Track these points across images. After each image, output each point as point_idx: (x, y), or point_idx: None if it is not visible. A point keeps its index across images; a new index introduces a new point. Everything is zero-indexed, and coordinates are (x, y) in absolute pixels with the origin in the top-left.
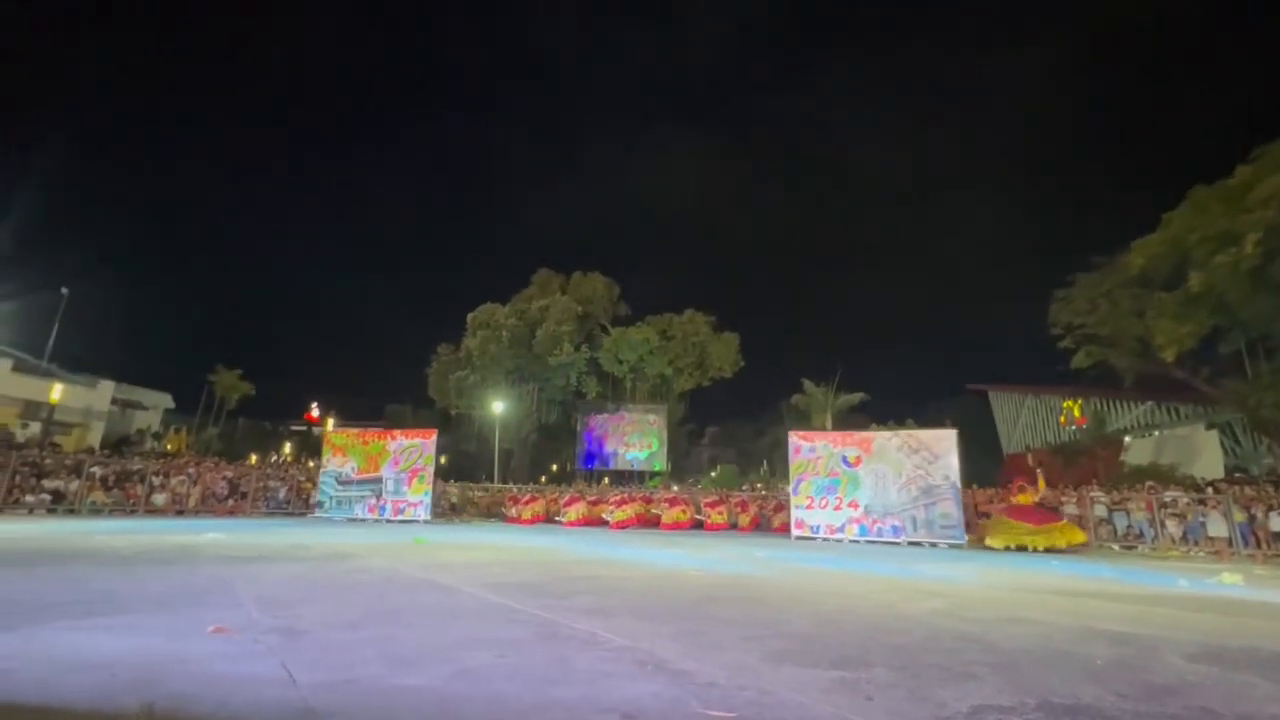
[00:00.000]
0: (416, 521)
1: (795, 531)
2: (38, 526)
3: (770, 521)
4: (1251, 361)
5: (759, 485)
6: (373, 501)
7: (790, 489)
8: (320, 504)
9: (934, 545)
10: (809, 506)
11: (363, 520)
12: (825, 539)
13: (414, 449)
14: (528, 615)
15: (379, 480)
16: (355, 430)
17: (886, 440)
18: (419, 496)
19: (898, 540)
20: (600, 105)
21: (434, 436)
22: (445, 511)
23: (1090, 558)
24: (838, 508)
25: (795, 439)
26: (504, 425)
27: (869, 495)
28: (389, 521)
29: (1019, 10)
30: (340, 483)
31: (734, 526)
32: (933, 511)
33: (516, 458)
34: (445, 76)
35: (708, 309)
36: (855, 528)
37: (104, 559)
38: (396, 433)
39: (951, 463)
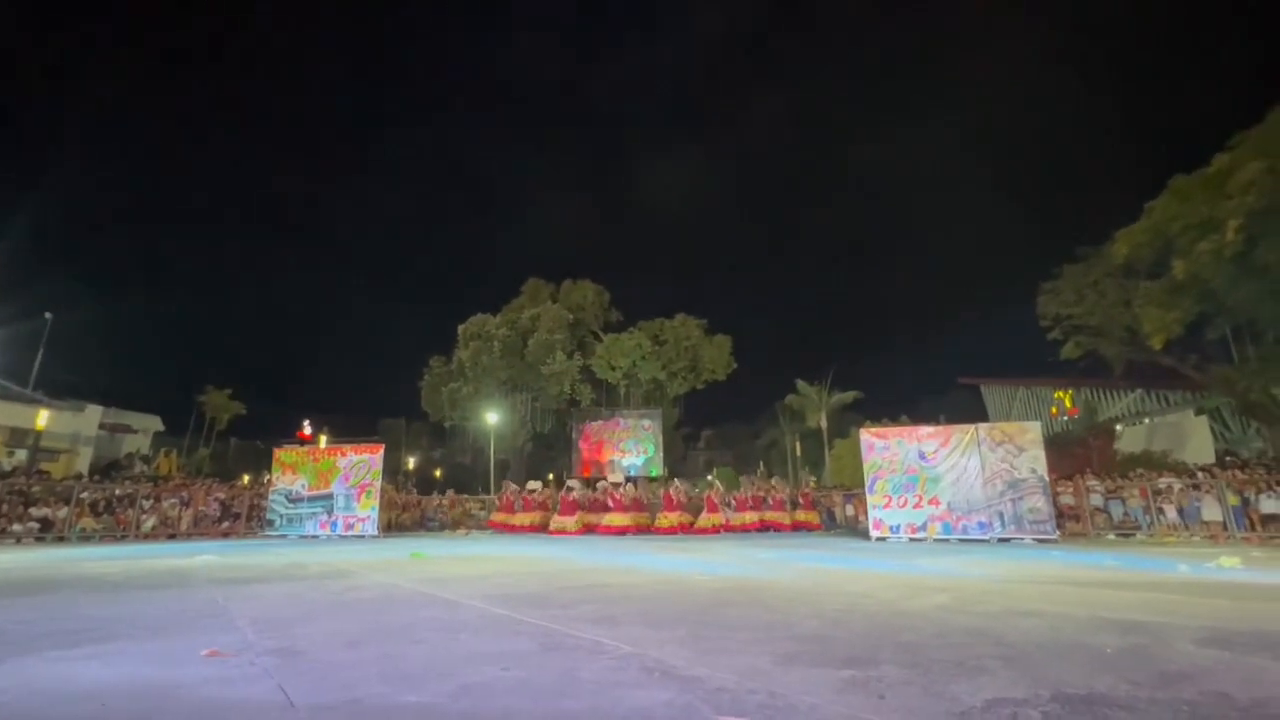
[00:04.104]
0: (364, 537)
1: (874, 532)
2: (26, 555)
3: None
4: (1238, 346)
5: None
6: (324, 518)
7: (866, 488)
8: (270, 522)
9: (1031, 541)
10: (886, 506)
11: (315, 537)
12: (910, 539)
13: (362, 464)
14: (531, 626)
15: (330, 497)
16: (304, 448)
17: (966, 434)
18: (367, 511)
19: (985, 537)
20: (585, 113)
21: (381, 451)
22: (448, 525)
23: (1089, 546)
24: (917, 505)
25: (867, 436)
26: (499, 436)
27: (950, 491)
28: (340, 537)
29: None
30: (290, 500)
31: (732, 528)
32: (1020, 506)
33: (512, 468)
34: (429, 92)
35: (698, 312)
36: (938, 525)
37: (94, 586)
38: (347, 449)
39: (1038, 455)
